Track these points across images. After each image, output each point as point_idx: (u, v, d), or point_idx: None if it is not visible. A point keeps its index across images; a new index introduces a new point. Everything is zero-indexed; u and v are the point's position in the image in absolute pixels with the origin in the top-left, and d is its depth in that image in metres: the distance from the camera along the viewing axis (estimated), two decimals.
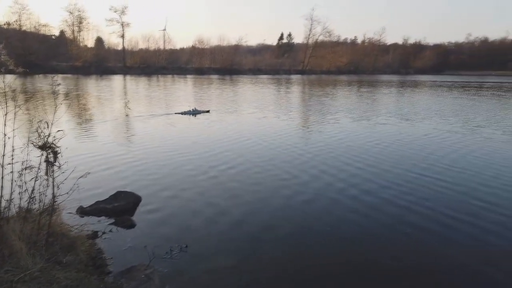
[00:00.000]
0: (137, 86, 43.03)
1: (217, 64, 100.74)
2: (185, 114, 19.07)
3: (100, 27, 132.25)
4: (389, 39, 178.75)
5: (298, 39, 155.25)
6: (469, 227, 5.77)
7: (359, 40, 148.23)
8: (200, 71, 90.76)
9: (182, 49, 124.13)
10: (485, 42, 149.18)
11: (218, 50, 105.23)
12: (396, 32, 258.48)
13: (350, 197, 7.02)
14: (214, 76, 78.18)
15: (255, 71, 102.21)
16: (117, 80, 54.78)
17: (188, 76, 78.54)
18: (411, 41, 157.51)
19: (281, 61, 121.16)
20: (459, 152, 10.90)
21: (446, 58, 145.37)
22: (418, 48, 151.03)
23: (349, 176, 8.30)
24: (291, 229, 5.64)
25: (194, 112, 19.51)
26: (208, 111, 20.14)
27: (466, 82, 65.89)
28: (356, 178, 8.15)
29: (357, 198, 6.97)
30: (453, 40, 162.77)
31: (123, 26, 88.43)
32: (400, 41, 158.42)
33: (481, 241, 5.34)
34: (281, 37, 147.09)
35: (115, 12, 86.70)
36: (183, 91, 36.71)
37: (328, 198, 6.97)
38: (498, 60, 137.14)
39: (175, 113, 19.50)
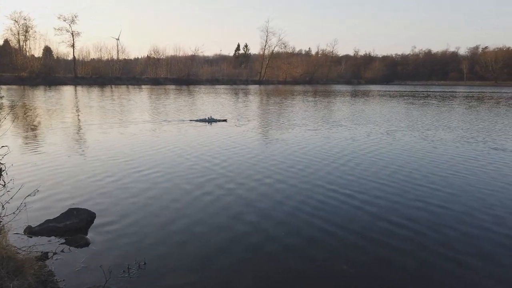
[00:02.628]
0: (89, 97, 41.40)
1: (174, 74, 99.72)
2: (200, 122, 19.67)
3: (48, 36, 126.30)
4: (341, 51, 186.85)
5: (254, 50, 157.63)
6: (403, 230, 6.10)
7: (313, 52, 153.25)
8: (156, 81, 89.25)
9: (136, 59, 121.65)
10: (428, 54, 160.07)
11: (174, 60, 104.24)
12: (347, 44, 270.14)
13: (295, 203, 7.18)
14: (171, 86, 77.12)
15: (213, 81, 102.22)
16: (67, 91, 52.41)
17: (144, 86, 76.83)
18: (362, 53, 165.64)
19: (238, 72, 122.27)
20: (380, 157, 11.55)
21: (394, 69, 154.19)
22: (368, 60, 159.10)
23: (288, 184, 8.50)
24: (251, 241, 5.65)
25: (210, 120, 19.90)
26: (225, 120, 20.33)
27: (410, 91, 70.27)
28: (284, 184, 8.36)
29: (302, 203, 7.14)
30: (399, 52, 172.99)
31: (73, 35, 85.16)
32: (351, 53, 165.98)
33: (414, 242, 5.66)
34: (237, 48, 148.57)
35: (64, 21, 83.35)
36: (134, 101, 35.80)
37: (301, 211, 7.07)
38: (440, 71, 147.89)
39: (190, 120, 20.16)
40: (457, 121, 22.38)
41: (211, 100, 38.83)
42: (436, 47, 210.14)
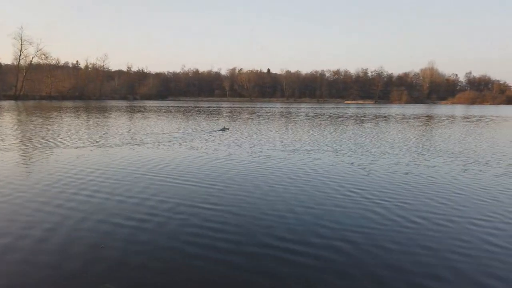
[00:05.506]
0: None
1: None
2: (219, 131, 22.46)
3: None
4: (114, 66, 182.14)
5: (6, 59, 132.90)
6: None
7: (81, 65, 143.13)
8: None
9: None
10: (196, 73, 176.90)
11: None
12: (118, 59, 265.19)
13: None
14: None
15: None
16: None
17: None
18: (135, 69, 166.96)
19: None
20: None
21: (168, 85, 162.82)
22: (142, 76, 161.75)
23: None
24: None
25: (224, 130, 23.25)
26: (228, 129, 23.98)
27: (183, 106, 75.84)
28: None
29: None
30: (171, 70, 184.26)
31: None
32: (124, 68, 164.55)
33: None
34: None
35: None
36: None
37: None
38: (208, 88, 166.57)
39: (211, 131, 22.67)
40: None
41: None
42: (203, 67, 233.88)
